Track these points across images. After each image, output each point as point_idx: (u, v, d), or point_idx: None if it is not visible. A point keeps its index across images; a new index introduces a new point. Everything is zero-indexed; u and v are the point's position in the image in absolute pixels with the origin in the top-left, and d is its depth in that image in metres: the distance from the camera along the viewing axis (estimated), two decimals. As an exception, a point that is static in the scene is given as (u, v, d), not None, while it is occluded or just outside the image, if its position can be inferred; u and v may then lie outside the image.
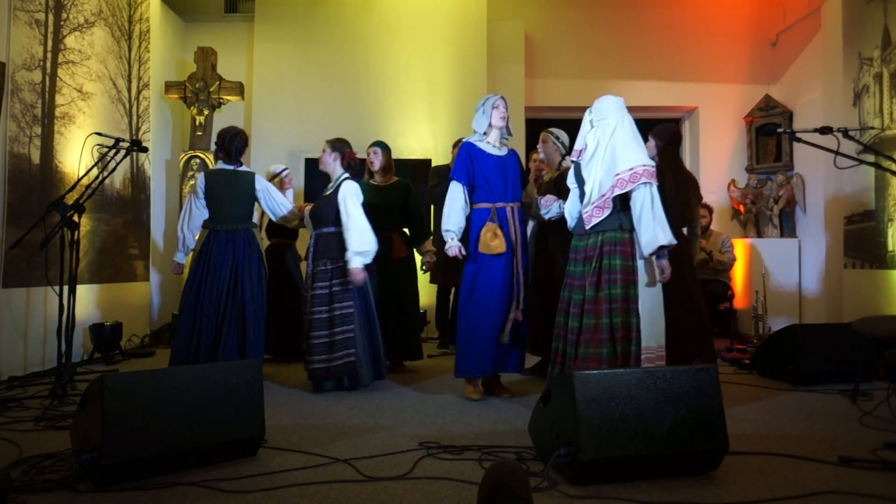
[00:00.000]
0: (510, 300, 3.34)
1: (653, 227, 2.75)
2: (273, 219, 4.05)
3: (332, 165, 3.75)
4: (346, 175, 3.73)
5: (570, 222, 3.23)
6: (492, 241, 3.30)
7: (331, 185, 3.75)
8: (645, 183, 2.76)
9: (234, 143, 3.83)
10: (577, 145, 3.07)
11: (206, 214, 3.80)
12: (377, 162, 4.25)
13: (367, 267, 3.58)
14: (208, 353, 3.62)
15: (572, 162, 3.14)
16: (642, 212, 2.77)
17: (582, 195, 3.03)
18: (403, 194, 4.28)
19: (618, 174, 2.80)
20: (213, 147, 4.43)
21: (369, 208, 4.15)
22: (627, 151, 2.83)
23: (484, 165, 3.41)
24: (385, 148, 4.33)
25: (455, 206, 3.42)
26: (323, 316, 3.54)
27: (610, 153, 2.86)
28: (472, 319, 3.33)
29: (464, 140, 3.53)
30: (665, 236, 2.74)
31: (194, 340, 3.62)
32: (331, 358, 3.50)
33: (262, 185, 3.90)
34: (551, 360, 3.05)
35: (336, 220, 3.62)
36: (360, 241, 3.51)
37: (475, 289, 3.35)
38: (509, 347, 3.38)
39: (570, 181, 3.17)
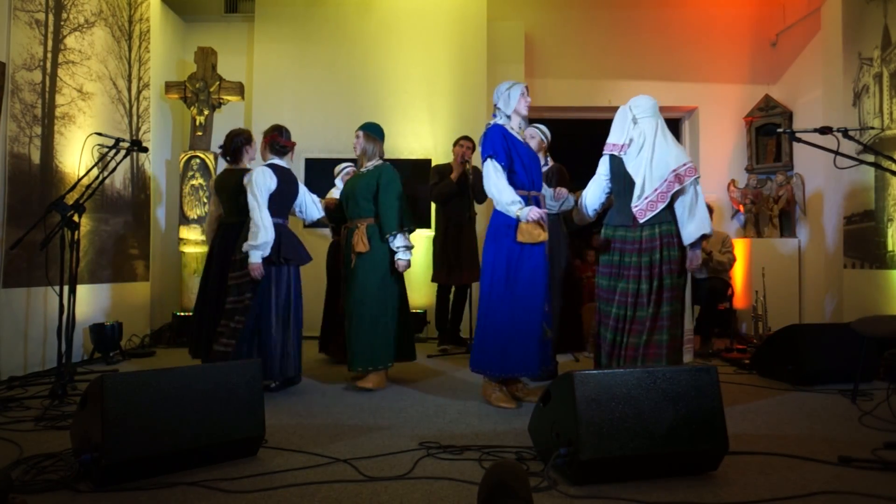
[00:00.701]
0: (547, 292, 3.23)
1: (698, 219, 3.04)
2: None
3: (263, 153, 3.78)
4: (272, 160, 3.71)
5: (592, 213, 3.36)
6: (534, 228, 3.14)
7: None
8: (695, 178, 3.04)
9: (231, 143, 3.93)
10: (619, 139, 3.18)
11: (221, 211, 3.99)
12: (357, 147, 3.91)
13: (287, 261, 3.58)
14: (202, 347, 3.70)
15: (609, 155, 3.22)
16: (691, 205, 3.05)
17: (624, 188, 3.15)
18: (375, 180, 3.74)
19: (675, 170, 3.02)
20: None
21: (345, 197, 4.01)
22: (675, 149, 3.08)
23: (520, 150, 3.28)
24: (369, 131, 3.88)
25: (504, 178, 3.16)
26: (227, 306, 3.54)
27: (660, 150, 3.07)
28: (518, 313, 3.11)
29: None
30: (707, 227, 3.05)
31: (203, 329, 3.74)
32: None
33: (246, 179, 3.82)
34: (602, 350, 3.14)
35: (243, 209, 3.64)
36: (253, 235, 3.46)
37: (516, 280, 3.13)
38: (547, 343, 3.27)
39: (604, 173, 3.27)
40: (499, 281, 3.17)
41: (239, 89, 5.98)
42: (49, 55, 4.22)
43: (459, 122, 6.17)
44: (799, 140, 3.12)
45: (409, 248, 3.74)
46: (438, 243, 5.11)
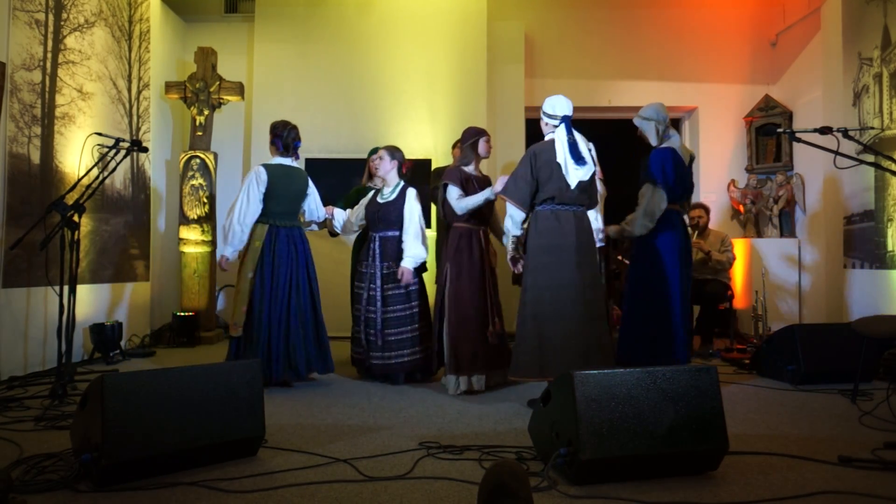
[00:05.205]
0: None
1: None
2: (306, 218, 4.03)
3: (391, 174, 3.95)
4: (404, 183, 3.96)
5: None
6: None
7: (393, 190, 3.92)
8: None
9: (291, 136, 3.84)
10: None
11: (259, 210, 3.70)
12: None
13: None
14: (280, 358, 3.60)
15: None
16: None
17: None
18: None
19: None
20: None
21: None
22: None
23: None
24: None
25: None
26: (405, 313, 3.80)
27: None
28: (680, 313, 3.51)
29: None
30: None
31: (266, 344, 3.60)
32: (424, 350, 3.80)
33: (312, 186, 3.98)
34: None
35: (400, 224, 3.85)
36: (421, 249, 3.80)
37: (677, 286, 3.53)
38: None
39: None
40: (666, 286, 3.57)
41: (239, 89, 5.98)
42: (49, 55, 4.21)
43: (459, 122, 6.15)
44: (799, 140, 3.12)
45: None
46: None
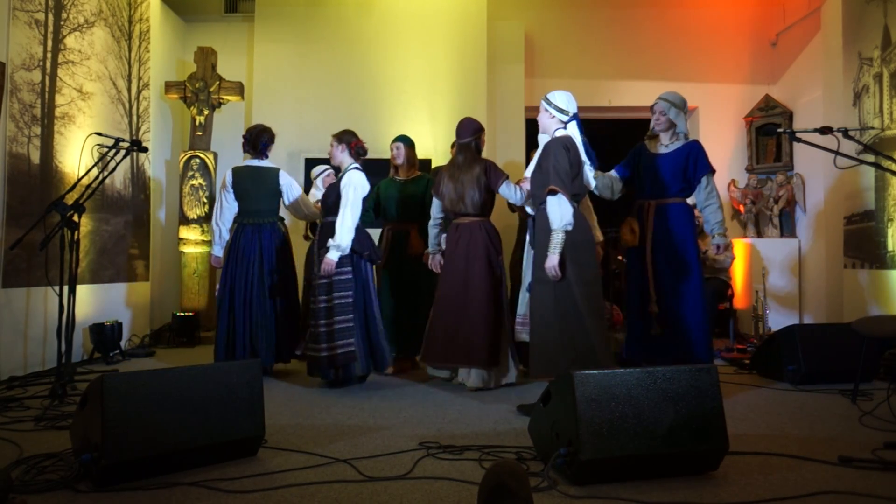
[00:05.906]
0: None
1: None
2: (295, 216, 4.22)
3: (341, 157, 3.80)
4: (355, 165, 3.76)
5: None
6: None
7: (340, 174, 3.78)
8: None
9: (260, 139, 4.00)
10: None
11: (236, 208, 4.00)
12: (399, 157, 4.31)
13: (370, 260, 3.72)
14: (246, 345, 3.81)
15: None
16: None
17: None
18: (424, 189, 4.27)
19: None
20: (215, 144, 4.45)
21: (391, 202, 4.22)
22: None
23: None
24: (407, 142, 4.37)
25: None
26: (322, 305, 3.58)
27: None
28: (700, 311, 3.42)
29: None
30: None
31: (231, 334, 3.85)
32: (332, 346, 3.56)
33: (286, 181, 4.05)
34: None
35: (338, 208, 3.63)
36: (339, 235, 3.54)
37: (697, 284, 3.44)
38: None
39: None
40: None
41: (239, 89, 5.98)
42: (49, 55, 4.21)
43: (459, 122, 6.16)
44: (799, 140, 3.12)
45: None
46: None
